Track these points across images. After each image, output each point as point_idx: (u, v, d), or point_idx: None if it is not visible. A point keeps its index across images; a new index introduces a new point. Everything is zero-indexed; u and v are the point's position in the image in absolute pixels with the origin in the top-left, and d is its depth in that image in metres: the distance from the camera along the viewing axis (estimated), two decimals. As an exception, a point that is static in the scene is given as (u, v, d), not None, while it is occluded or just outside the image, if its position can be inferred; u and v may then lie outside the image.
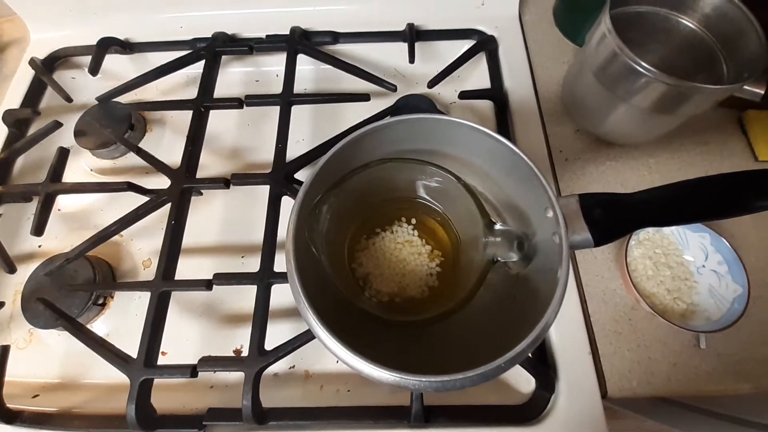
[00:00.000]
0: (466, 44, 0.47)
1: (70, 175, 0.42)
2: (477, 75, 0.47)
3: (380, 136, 0.26)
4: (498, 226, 0.26)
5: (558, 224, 0.22)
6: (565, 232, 0.22)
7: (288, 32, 0.47)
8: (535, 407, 0.32)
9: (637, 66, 0.31)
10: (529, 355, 0.33)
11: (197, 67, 0.46)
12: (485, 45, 0.46)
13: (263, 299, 0.33)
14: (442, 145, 0.28)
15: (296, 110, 0.43)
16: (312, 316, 0.20)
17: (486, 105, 0.45)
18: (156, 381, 0.32)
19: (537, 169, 0.24)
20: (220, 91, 0.45)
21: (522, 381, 0.34)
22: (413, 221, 0.32)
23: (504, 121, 0.43)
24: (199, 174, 0.40)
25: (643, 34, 0.38)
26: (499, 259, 0.26)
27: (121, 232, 0.38)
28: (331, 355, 0.35)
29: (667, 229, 0.36)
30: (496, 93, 0.44)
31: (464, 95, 0.44)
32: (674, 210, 0.22)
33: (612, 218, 0.22)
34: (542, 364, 0.33)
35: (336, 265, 0.28)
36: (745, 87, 0.32)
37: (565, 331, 0.34)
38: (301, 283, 0.21)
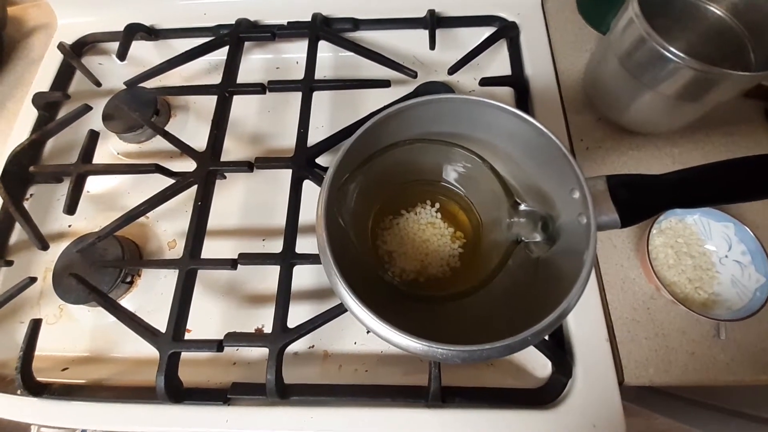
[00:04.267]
0: (486, 31, 0.47)
1: (97, 159, 0.43)
2: (497, 63, 0.47)
3: (407, 117, 0.27)
4: (523, 207, 0.26)
5: (585, 205, 0.22)
6: (593, 212, 0.22)
7: (309, 19, 0.47)
8: (551, 391, 0.32)
9: (666, 52, 0.31)
10: (546, 338, 0.33)
11: (219, 54, 0.46)
12: (506, 32, 0.46)
13: (286, 279, 0.34)
14: (466, 128, 0.28)
15: (316, 97, 0.43)
16: (343, 286, 0.21)
17: (506, 92, 0.45)
18: (181, 357, 0.33)
19: (565, 148, 0.24)
20: (242, 77, 0.46)
21: (539, 366, 0.34)
22: (437, 205, 0.32)
23: (524, 109, 0.41)
24: (223, 158, 0.41)
25: (670, 20, 0.37)
26: (523, 239, 0.26)
27: (148, 214, 0.40)
28: (350, 335, 0.37)
29: (689, 219, 0.36)
30: (517, 80, 0.44)
31: (485, 82, 0.44)
32: (701, 191, 0.22)
33: (639, 199, 0.22)
34: (560, 349, 0.33)
35: (361, 242, 0.29)
36: (773, 75, 0.31)
37: (583, 318, 0.34)
38: (333, 255, 0.21)
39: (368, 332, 0.36)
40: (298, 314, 0.35)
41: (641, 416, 0.80)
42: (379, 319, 0.20)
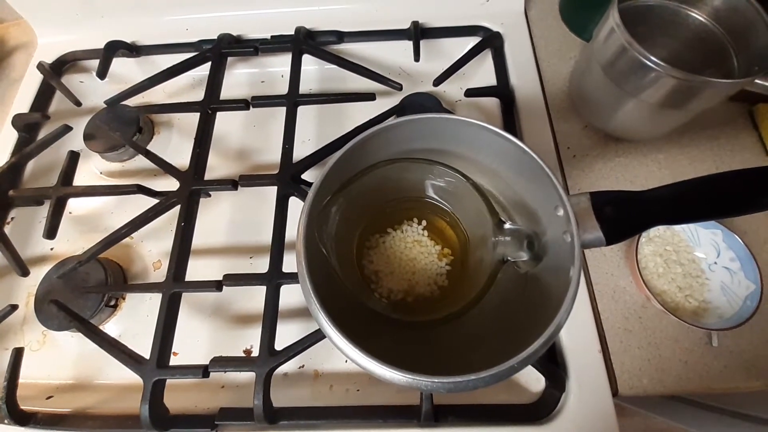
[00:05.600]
0: (471, 41, 0.47)
1: (79, 178, 0.43)
2: (482, 72, 0.47)
3: (388, 136, 0.26)
4: (507, 226, 0.26)
5: (569, 223, 0.22)
6: (576, 231, 0.21)
7: (293, 32, 0.47)
8: (545, 406, 0.32)
9: (647, 61, 0.31)
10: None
11: (203, 69, 0.46)
12: (491, 42, 0.46)
13: (272, 300, 0.34)
14: (450, 144, 0.28)
15: (301, 110, 0.43)
16: (324, 318, 0.20)
17: (492, 102, 0.45)
18: (168, 381, 0.33)
19: (547, 167, 0.23)
20: (226, 92, 0.45)
21: (532, 380, 0.34)
22: (424, 222, 0.32)
23: (511, 119, 0.43)
24: (207, 175, 0.40)
25: (652, 27, 0.37)
26: (509, 258, 0.26)
27: (132, 235, 0.39)
28: (340, 354, 0.35)
29: (678, 226, 0.36)
30: (503, 90, 0.44)
31: (470, 93, 0.43)
32: (687, 208, 0.22)
33: (624, 216, 0.22)
34: (552, 363, 0.33)
35: (345, 265, 0.28)
36: (756, 81, 0.32)
37: (575, 330, 0.34)
38: (313, 286, 0.21)
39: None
40: (288, 333, 0.34)
41: (639, 416, 0.80)
42: (360, 350, 0.19)
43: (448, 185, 0.29)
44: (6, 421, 0.33)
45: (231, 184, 0.38)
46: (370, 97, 0.42)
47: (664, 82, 0.32)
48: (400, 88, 0.43)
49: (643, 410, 0.76)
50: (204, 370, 0.31)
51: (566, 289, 0.22)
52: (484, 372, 0.19)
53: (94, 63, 0.47)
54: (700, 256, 0.35)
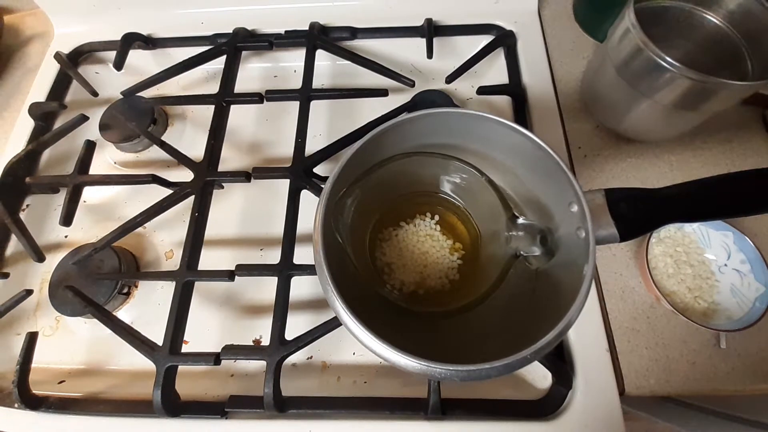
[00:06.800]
0: (484, 39, 0.47)
1: (94, 168, 0.43)
2: (494, 70, 0.47)
3: (404, 130, 0.26)
4: (521, 221, 0.26)
5: (583, 219, 0.22)
6: (591, 227, 0.22)
7: (307, 28, 0.47)
8: (551, 403, 0.32)
9: (662, 61, 0.31)
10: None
11: (217, 63, 0.46)
12: (504, 40, 0.46)
13: (283, 290, 0.34)
14: (464, 140, 0.28)
15: (314, 105, 0.43)
16: (341, 305, 0.21)
17: (504, 101, 0.45)
18: (179, 368, 0.33)
19: (563, 163, 0.24)
20: (239, 86, 0.46)
21: (539, 377, 0.34)
22: (436, 217, 0.32)
23: (522, 117, 0.43)
24: (220, 167, 0.41)
25: (666, 29, 0.37)
26: (522, 253, 0.26)
27: (145, 224, 0.39)
28: (348, 346, 0.36)
29: (688, 227, 0.36)
30: (515, 89, 0.44)
31: (482, 91, 0.44)
32: (701, 206, 0.22)
33: (638, 213, 0.22)
34: (559, 360, 0.33)
35: (358, 256, 0.29)
36: (771, 84, 0.31)
37: (582, 328, 0.34)
38: (330, 272, 0.21)
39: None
40: (297, 324, 0.35)
41: (642, 420, 0.80)
42: (376, 337, 0.20)
43: (462, 181, 0.30)
44: (17, 405, 0.34)
45: (244, 175, 0.39)
46: (382, 93, 0.43)
47: (678, 83, 0.32)
48: (412, 84, 0.43)
49: (645, 414, 0.76)
50: (216, 358, 0.32)
51: (578, 285, 0.22)
52: (497, 361, 0.19)
53: (110, 54, 0.48)
54: (710, 257, 0.35)
